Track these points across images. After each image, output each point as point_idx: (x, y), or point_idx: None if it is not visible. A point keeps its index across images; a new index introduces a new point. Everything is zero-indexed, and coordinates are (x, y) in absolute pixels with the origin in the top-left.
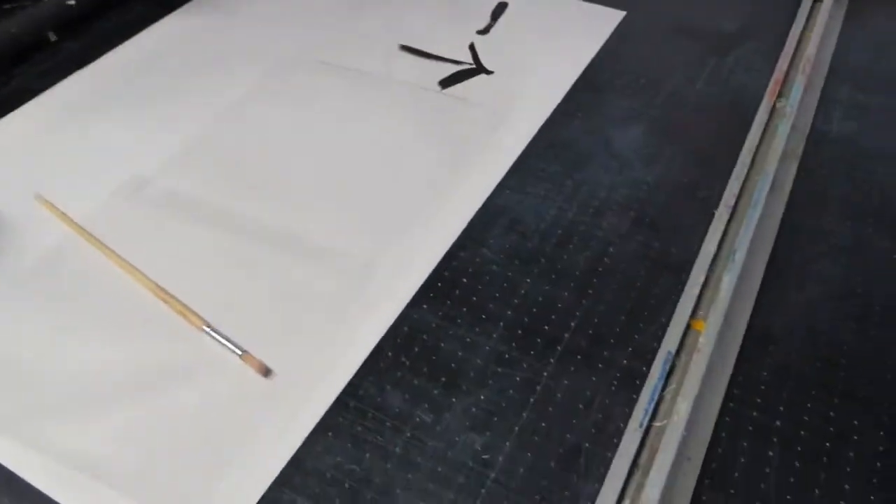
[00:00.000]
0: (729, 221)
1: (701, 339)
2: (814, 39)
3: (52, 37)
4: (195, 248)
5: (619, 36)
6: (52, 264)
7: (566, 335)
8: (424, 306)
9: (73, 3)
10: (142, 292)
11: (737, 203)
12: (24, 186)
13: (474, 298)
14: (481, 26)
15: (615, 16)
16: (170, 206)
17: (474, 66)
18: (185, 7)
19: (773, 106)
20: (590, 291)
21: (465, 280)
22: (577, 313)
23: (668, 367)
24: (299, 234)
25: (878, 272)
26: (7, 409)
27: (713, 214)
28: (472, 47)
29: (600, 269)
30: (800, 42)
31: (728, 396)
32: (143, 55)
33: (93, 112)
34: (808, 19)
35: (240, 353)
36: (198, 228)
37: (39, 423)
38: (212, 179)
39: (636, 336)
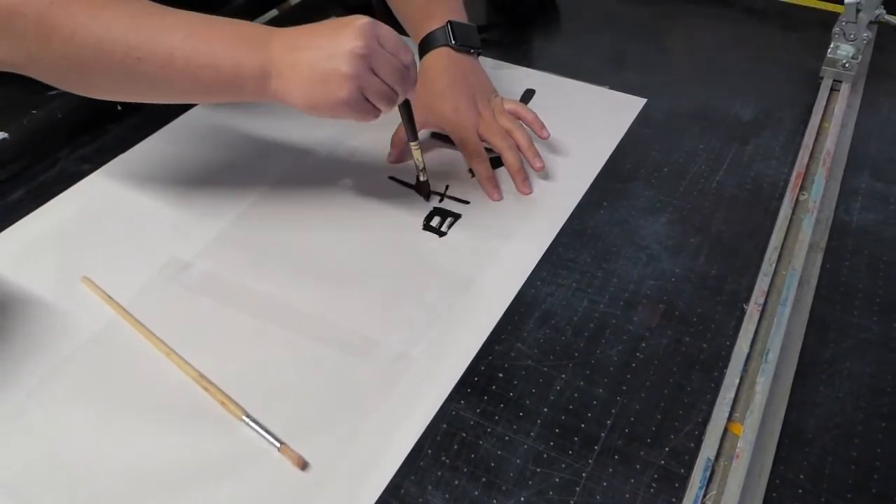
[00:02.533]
0: (760, 319)
1: (739, 444)
2: (832, 130)
3: (118, 107)
4: (234, 333)
5: (640, 123)
6: (95, 350)
7: (603, 434)
8: (462, 402)
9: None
10: (183, 380)
11: (766, 300)
12: (69, 270)
13: (511, 394)
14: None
15: (637, 103)
16: (209, 290)
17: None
18: None
19: (796, 199)
20: (624, 388)
21: (500, 375)
22: (613, 411)
23: (708, 474)
24: (334, 323)
25: None
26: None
27: (742, 309)
28: None
29: (633, 364)
30: (818, 133)
31: (767, 500)
32: (183, 137)
33: (135, 194)
34: (825, 109)
35: (278, 445)
36: (237, 313)
37: None
38: (250, 265)
39: (672, 436)
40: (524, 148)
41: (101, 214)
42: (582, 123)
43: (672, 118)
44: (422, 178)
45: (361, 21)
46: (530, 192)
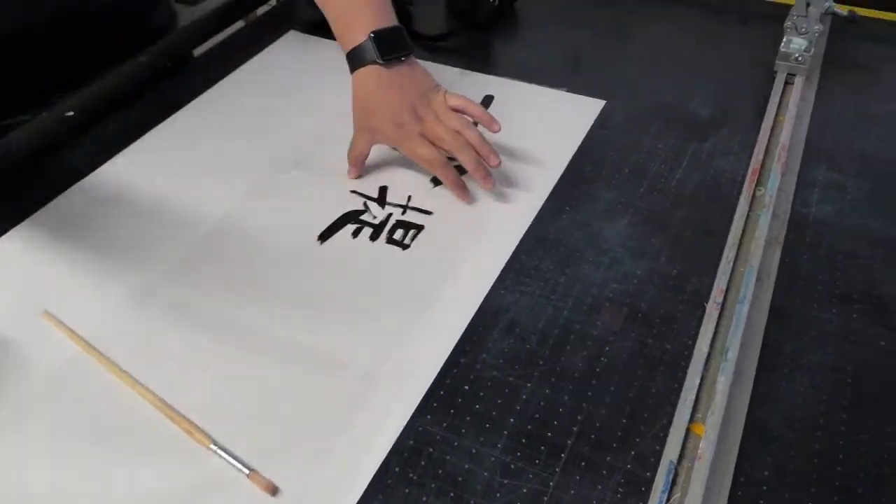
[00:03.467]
0: (719, 318)
1: (701, 445)
2: (787, 124)
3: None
4: (199, 360)
5: (600, 125)
6: (58, 385)
7: (569, 441)
8: (428, 417)
9: (71, 113)
10: (149, 410)
11: (725, 298)
12: (29, 304)
13: (477, 406)
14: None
15: (596, 105)
16: (172, 317)
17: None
18: (184, 111)
19: (753, 195)
20: (589, 394)
21: (466, 387)
22: (579, 417)
23: (671, 477)
24: (301, 343)
25: (865, 359)
26: None
27: (704, 308)
28: None
29: (598, 369)
30: (773, 127)
31: (732, 499)
32: (145, 161)
33: (95, 222)
34: (780, 102)
35: (247, 471)
36: (201, 339)
37: None
38: (213, 289)
39: (638, 439)
40: (477, 145)
41: (59, 245)
42: (542, 128)
43: (631, 118)
44: None
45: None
46: (493, 187)
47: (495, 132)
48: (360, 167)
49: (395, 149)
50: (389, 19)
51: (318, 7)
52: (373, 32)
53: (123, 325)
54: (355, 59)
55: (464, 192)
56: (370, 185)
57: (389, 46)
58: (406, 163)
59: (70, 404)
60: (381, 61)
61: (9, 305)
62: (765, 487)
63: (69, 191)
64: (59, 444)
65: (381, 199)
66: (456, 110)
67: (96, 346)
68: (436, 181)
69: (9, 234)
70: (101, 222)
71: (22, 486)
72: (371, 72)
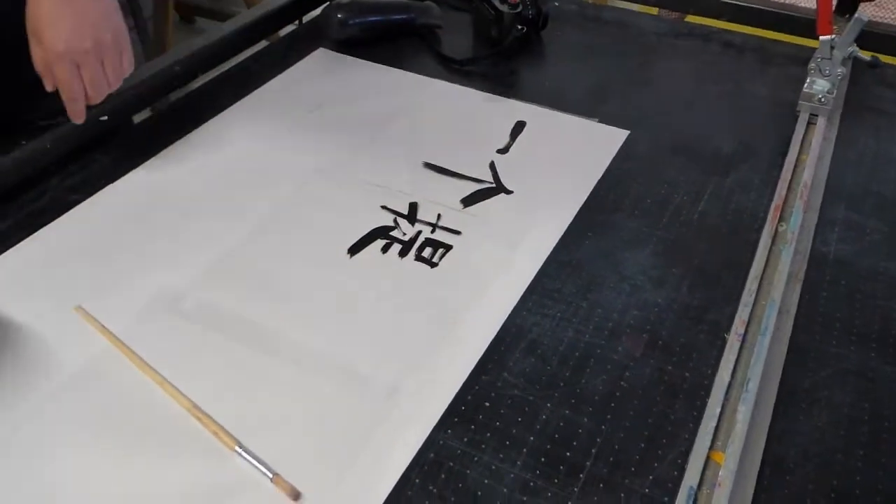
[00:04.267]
0: (741, 349)
1: (721, 473)
2: (810, 163)
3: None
4: (228, 363)
5: (623, 155)
6: (87, 379)
7: (588, 462)
8: (449, 431)
9: (105, 118)
10: (176, 409)
11: (747, 330)
12: (61, 299)
13: (498, 424)
14: (501, 145)
15: (620, 135)
16: (203, 319)
17: (494, 185)
18: (215, 121)
19: (776, 230)
20: (609, 417)
21: (487, 404)
22: (598, 439)
23: (691, 503)
24: (328, 354)
25: (883, 397)
26: None
27: (724, 338)
28: (492, 166)
29: (618, 393)
30: (796, 166)
31: None
32: (177, 167)
33: (128, 224)
34: (802, 141)
35: (271, 475)
36: (231, 344)
37: None
38: (244, 295)
39: (656, 464)
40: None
41: (92, 244)
42: (567, 154)
43: (654, 150)
44: None
45: None
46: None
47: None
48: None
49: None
50: None
51: (349, 26)
52: None
53: (155, 325)
54: None
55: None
56: (401, 202)
57: None
58: (436, 181)
59: (97, 399)
60: None
61: (41, 300)
62: None
63: (105, 190)
64: (84, 438)
65: (412, 217)
66: None
67: (127, 343)
68: (466, 201)
69: (41, 231)
70: (134, 225)
71: (45, 476)
72: None
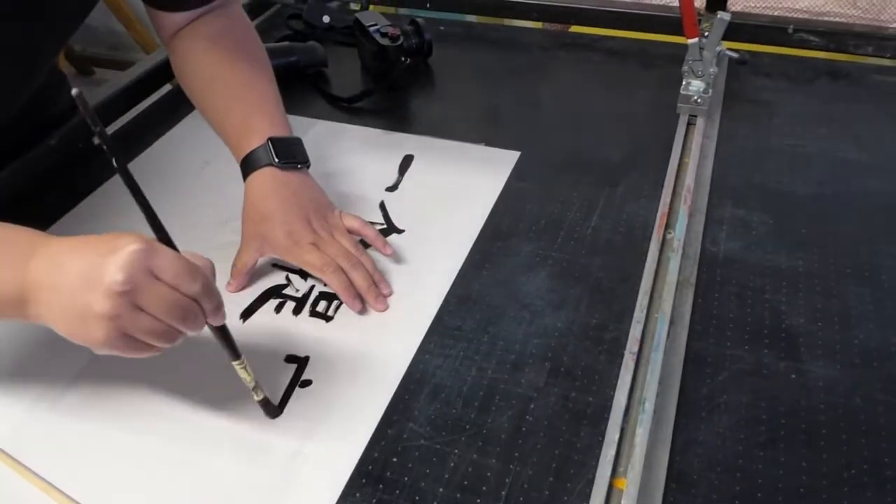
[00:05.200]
0: (636, 367)
1: (623, 501)
2: (691, 165)
3: None
4: (119, 456)
5: (516, 176)
6: None
7: None
8: (357, 495)
9: None
10: None
11: (641, 346)
12: None
13: (406, 479)
14: (391, 182)
15: (511, 157)
16: (89, 415)
17: (386, 226)
18: (100, 192)
19: (663, 238)
20: (516, 454)
21: (395, 459)
22: (507, 480)
23: None
24: (226, 428)
25: (778, 394)
26: None
27: (623, 356)
28: (382, 206)
29: (524, 428)
30: (679, 170)
31: None
32: None
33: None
34: (683, 144)
35: None
36: (120, 434)
37: None
38: (129, 382)
39: (565, 498)
40: (370, 270)
41: None
42: (460, 183)
43: (545, 168)
44: (258, 397)
45: (130, 248)
46: (385, 308)
47: (388, 255)
48: (243, 281)
49: (277, 262)
50: (287, 130)
51: None
52: (270, 138)
53: (38, 428)
54: (250, 163)
55: (354, 300)
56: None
57: (287, 152)
58: None
59: None
60: (277, 164)
61: None
62: None
63: None
64: None
65: (304, 271)
66: (351, 232)
67: (10, 451)
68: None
69: None
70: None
71: None
72: (266, 174)
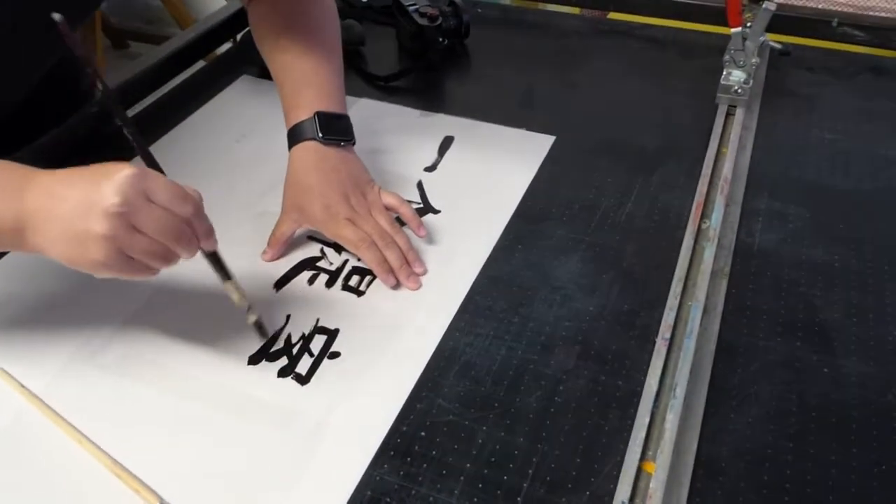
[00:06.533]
0: (668, 353)
1: (652, 484)
2: (729, 156)
3: None
4: (150, 414)
5: (551, 161)
6: (7, 440)
7: (525, 484)
8: (385, 466)
9: None
10: (96, 468)
11: (673, 333)
12: None
13: (434, 453)
14: (429, 163)
15: (546, 141)
16: (124, 370)
17: (422, 206)
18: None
19: (699, 228)
20: (544, 434)
21: (423, 434)
22: (534, 459)
23: None
24: (251, 395)
25: (809, 387)
26: None
27: (654, 343)
28: (419, 186)
29: (552, 409)
30: (716, 160)
31: None
32: None
33: (45, 280)
34: (722, 134)
35: None
36: (151, 393)
37: None
38: (164, 344)
39: (592, 479)
40: (404, 250)
41: (7, 303)
42: (496, 166)
43: (581, 153)
44: (251, 320)
45: (124, 173)
46: (418, 287)
47: (421, 237)
48: (280, 249)
49: (312, 235)
50: (338, 106)
51: None
52: (317, 112)
53: (76, 380)
54: (295, 135)
55: (388, 275)
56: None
57: (332, 128)
58: None
59: (19, 459)
60: (320, 139)
61: None
62: None
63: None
64: (5, 500)
65: (338, 245)
66: (388, 209)
67: (48, 401)
68: None
69: None
70: (48, 281)
71: None
72: (309, 148)
